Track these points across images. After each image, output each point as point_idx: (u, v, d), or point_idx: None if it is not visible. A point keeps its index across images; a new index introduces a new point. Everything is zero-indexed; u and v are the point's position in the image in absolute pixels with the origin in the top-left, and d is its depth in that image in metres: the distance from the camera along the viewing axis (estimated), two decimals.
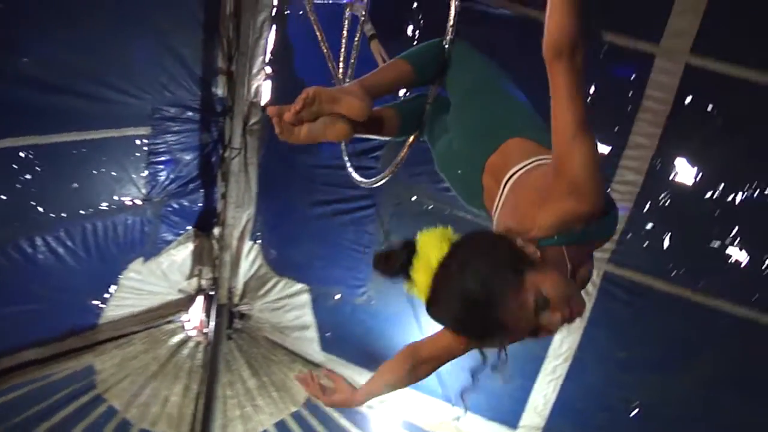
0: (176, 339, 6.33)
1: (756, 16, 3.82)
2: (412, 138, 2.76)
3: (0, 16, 3.86)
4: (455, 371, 5.31)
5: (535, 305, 1.67)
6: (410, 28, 4.64)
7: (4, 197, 4.51)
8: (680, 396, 4.84)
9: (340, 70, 3.58)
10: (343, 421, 6.07)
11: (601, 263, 4.60)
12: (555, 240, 1.79)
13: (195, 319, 6.49)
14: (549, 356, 5.11)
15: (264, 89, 5.49)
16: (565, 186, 1.73)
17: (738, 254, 4.31)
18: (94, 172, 4.94)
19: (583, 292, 1.91)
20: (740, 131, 4.08)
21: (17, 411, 5.31)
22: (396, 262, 1.87)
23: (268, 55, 5.34)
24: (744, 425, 4.72)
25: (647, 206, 4.42)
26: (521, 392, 5.35)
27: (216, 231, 6.13)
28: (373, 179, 3.12)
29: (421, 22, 4.60)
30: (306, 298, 6.05)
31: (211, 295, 6.44)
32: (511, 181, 2.05)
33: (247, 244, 6.13)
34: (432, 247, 1.78)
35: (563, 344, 5.01)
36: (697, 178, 4.26)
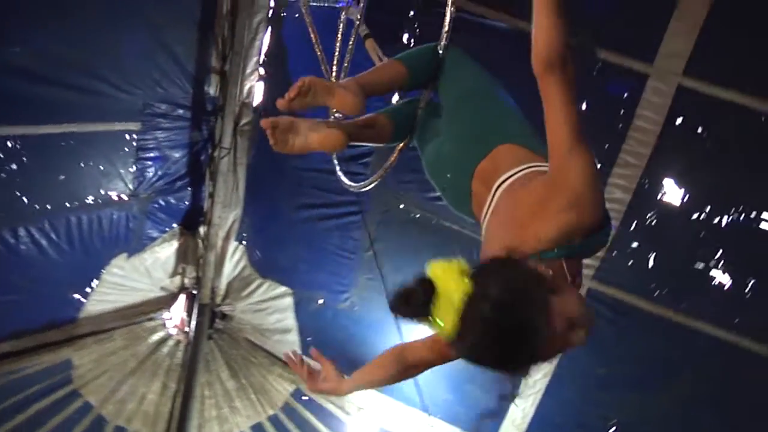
0: (156, 336, 6.28)
1: (750, 42, 3.84)
2: (402, 144, 2.75)
3: None
4: (434, 381, 5.32)
5: (565, 327, 1.65)
6: (406, 36, 4.65)
7: None
8: (658, 415, 4.84)
9: (333, 74, 3.58)
10: (321, 427, 6.05)
11: (586, 280, 4.59)
12: (555, 253, 1.79)
13: (176, 317, 6.45)
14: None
15: (256, 90, 5.49)
16: (565, 199, 1.72)
17: (721, 277, 4.32)
18: (81, 165, 4.91)
19: None
20: (729, 155, 4.10)
21: None
22: (417, 303, 1.69)
23: (263, 56, 5.34)
24: None
25: (633, 225, 4.43)
26: (501, 405, 5.34)
27: (202, 230, 6.10)
28: (362, 183, 3.11)
29: (417, 30, 4.60)
30: (289, 301, 6.03)
31: (194, 294, 6.40)
32: (501, 188, 2.04)
33: (233, 244, 6.11)
34: (450, 281, 1.64)
35: None
36: (685, 199, 4.28)
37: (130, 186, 5.27)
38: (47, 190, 4.79)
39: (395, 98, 3.55)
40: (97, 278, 5.56)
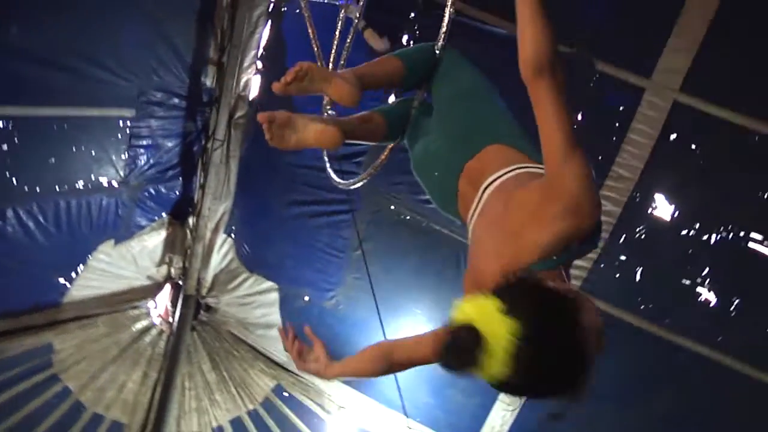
0: (140, 325, 6.25)
1: (748, 62, 3.86)
2: (393, 143, 2.75)
3: None
4: (415, 384, 5.32)
5: (598, 340, 1.62)
6: (405, 37, 4.65)
7: None
8: (636, 429, 4.85)
9: (330, 69, 3.57)
10: (300, 424, 6.04)
11: None
12: (554, 261, 1.78)
13: (161, 307, 6.42)
14: None
15: (253, 83, 5.48)
16: (562, 205, 1.70)
17: (707, 294, 4.34)
18: (73, 149, 4.88)
19: None
20: (721, 173, 4.11)
21: None
22: (470, 352, 1.56)
23: (261, 50, 5.32)
24: None
25: (622, 238, 4.44)
26: (481, 411, 5.34)
27: (191, 221, 6.08)
28: (350, 181, 3.11)
29: (417, 32, 4.60)
30: (275, 296, 6.01)
31: (179, 285, 6.38)
32: (489, 189, 2.03)
33: (221, 236, 6.09)
34: (493, 323, 1.54)
35: None
36: (675, 215, 4.29)
37: (121, 173, 5.24)
38: (37, 172, 4.76)
39: (391, 99, 3.55)
40: (83, 264, 5.53)
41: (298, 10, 4.89)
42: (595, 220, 1.76)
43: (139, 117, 5.09)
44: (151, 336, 6.29)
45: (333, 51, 3.55)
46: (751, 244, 4.14)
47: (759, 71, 3.85)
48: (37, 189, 4.80)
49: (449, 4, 2.49)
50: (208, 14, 5.02)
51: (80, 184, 5.05)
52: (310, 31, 3.73)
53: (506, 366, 1.52)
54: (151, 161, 5.42)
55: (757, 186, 4.04)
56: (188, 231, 6.12)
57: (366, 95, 2.36)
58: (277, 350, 6.15)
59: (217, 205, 5.93)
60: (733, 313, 4.28)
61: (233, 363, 6.30)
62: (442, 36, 2.51)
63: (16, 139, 4.46)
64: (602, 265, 4.52)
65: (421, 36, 4.55)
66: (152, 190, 5.65)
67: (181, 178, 5.79)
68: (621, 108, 4.21)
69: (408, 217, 5.15)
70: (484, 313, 1.56)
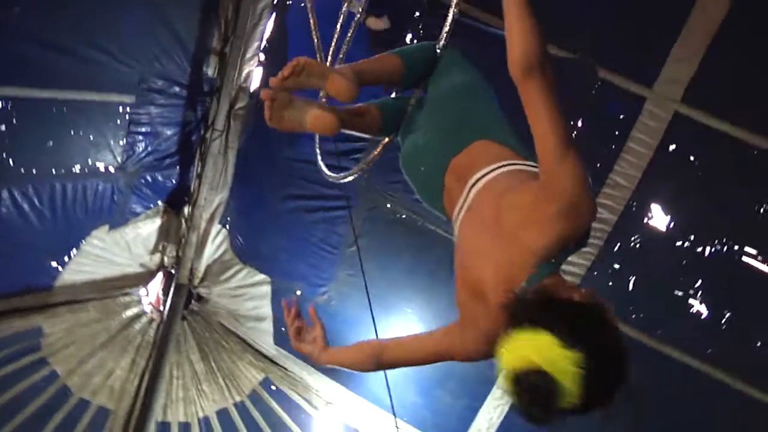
0: (130, 312, 6.23)
1: (750, 76, 3.85)
2: (387, 138, 2.74)
3: None
4: (404, 383, 5.31)
5: None
6: (409, 36, 4.64)
7: None
8: None
9: (328, 63, 3.56)
10: (287, 418, 6.03)
11: None
12: (553, 263, 1.77)
13: (152, 294, 6.41)
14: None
15: (255, 75, 5.46)
16: (558, 207, 1.69)
17: (699, 306, 4.33)
18: (71, 132, 4.86)
19: None
20: (719, 186, 4.11)
21: None
22: (552, 396, 1.57)
23: (264, 42, 5.31)
24: None
25: (617, 246, 4.43)
26: (468, 412, 5.33)
27: (186, 210, 6.07)
28: (342, 174, 3.11)
29: (421, 31, 4.59)
30: (266, 289, 6.00)
31: (172, 273, 6.37)
32: (477, 186, 2.02)
33: (216, 227, 6.08)
34: (557, 361, 1.53)
35: None
36: (670, 226, 4.29)
37: (119, 159, 5.23)
38: (35, 154, 4.74)
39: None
40: (77, 248, 5.51)
41: (303, 4, 4.88)
42: (591, 219, 1.76)
43: (139, 104, 5.07)
44: (141, 323, 6.28)
45: (332, 45, 3.54)
46: (744, 258, 4.14)
47: (761, 85, 3.85)
48: (34, 171, 4.78)
49: (453, 4, 2.48)
50: (213, 4, 5.01)
51: (77, 168, 5.02)
52: (311, 21, 3.72)
53: (581, 395, 1.56)
54: (149, 148, 5.40)
55: (754, 200, 4.04)
56: (183, 220, 6.11)
57: (364, 91, 2.35)
58: (267, 343, 6.15)
59: (213, 196, 5.92)
60: (724, 326, 4.28)
61: (222, 354, 6.30)
62: (445, 35, 2.50)
63: (14, 120, 4.44)
64: (595, 273, 4.52)
65: (425, 35, 4.54)
66: (149, 178, 5.64)
67: (178, 167, 5.78)
68: (621, 116, 4.20)
69: (404, 216, 5.14)
70: (545, 353, 1.55)
